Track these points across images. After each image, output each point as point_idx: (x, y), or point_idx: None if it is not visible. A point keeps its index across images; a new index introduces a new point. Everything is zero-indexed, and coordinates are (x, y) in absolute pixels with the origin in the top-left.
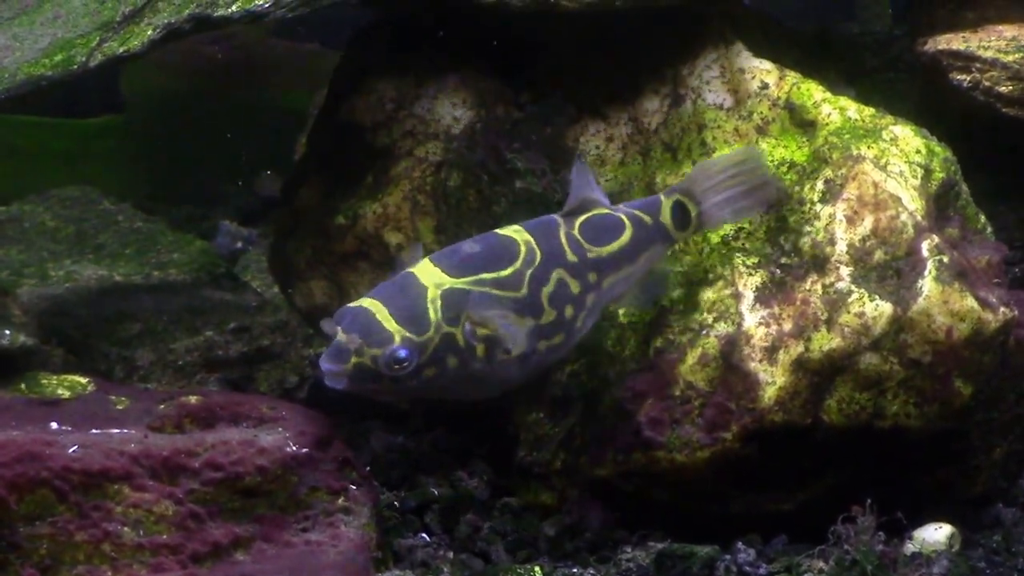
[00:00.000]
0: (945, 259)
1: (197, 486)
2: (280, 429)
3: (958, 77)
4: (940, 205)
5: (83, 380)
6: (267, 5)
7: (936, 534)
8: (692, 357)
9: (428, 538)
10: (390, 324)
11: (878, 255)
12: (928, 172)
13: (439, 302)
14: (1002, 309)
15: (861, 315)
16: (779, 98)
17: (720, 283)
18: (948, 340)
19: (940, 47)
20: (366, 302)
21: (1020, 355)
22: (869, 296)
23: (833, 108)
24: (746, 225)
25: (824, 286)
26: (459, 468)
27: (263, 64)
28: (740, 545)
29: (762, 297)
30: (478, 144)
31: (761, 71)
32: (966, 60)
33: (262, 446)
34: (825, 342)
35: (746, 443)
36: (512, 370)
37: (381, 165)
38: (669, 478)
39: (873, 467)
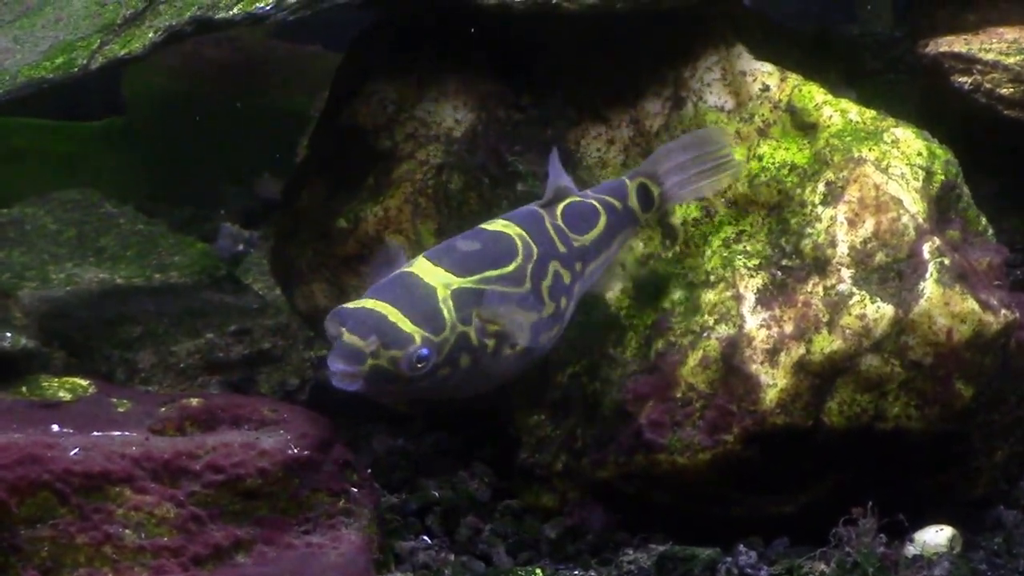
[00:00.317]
0: (946, 261)
1: (198, 488)
2: (281, 431)
3: (959, 79)
4: (941, 207)
5: (84, 382)
6: (269, 7)
7: (937, 536)
8: (693, 359)
9: (429, 540)
10: (407, 325)
11: (879, 257)
12: (929, 174)
13: (451, 302)
14: (1003, 311)
15: (862, 317)
16: (780, 100)
17: (721, 285)
18: (949, 342)
19: (941, 49)
20: (371, 303)
21: (1021, 357)
22: (870, 298)
23: (834, 110)
24: (747, 227)
25: (825, 288)
26: (460, 470)
27: (264, 66)
28: (741, 547)
29: (763, 299)
30: (479, 147)
31: (762, 73)
32: (967, 62)
33: (263, 448)
34: (826, 344)
35: (747, 445)
36: (515, 364)
37: (382, 168)
38: (670, 480)
39: (874, 469)
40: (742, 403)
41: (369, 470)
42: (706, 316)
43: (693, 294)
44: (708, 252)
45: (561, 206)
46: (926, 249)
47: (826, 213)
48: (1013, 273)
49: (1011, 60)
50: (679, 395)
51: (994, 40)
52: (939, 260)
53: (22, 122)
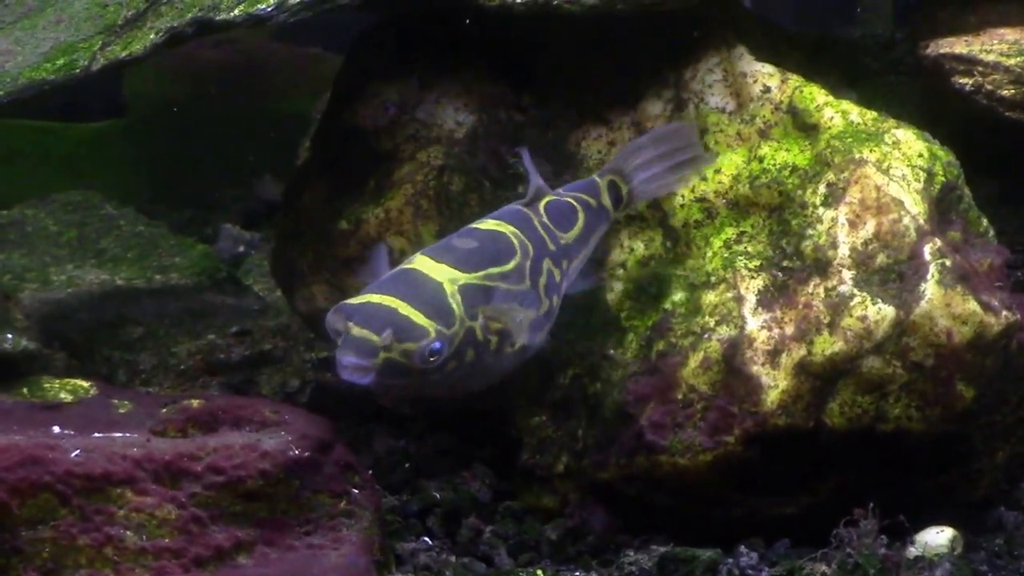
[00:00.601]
0: (947, 262)
1: (199, 490)
2: (282, 433)
3: (960, 81)
4: (942, 209)
5: (85, 384)
6: (270, 9)
7: (938, 537)
8: (694, 360)
9: (430, 541)
10: (420, 318)
11: (880, 258)
12: (930, 176)
13: (459, 296)
14: (1004, 312)
15: (863, 318)
16: (781, 102)
17: (722, 286)
18: (950, 343)
19: (942, 51)
20: (378, 298)
21: (1022, 358)
22: (871, 299)
23: (835, 112)
24: (748, 228)
25: (826, 289)
26: (461, 471)
27: (265, 68)
28: (743, 549)
29: (764, 300)
30: (480, 148)
31: (763, 75)
32: (968, 64)
33: (264, 450)
34: (827, 345)
35: (748, 446)
36: (512, 362)
37: (384, 169)
38: (671, 482)
39: (875, 470)
40: (743, 404)
41: (370, 471)
42: (707, 317)
43: (694, 295)
44: (709, 253)
45: (542, 205)
46: (927, 250)
47: (827, 214)
48: (1014, 274)
49: (1012, 61)
50: (680, 396)
51: (995, 41)
52: (940, 261)
53: (23, 124)
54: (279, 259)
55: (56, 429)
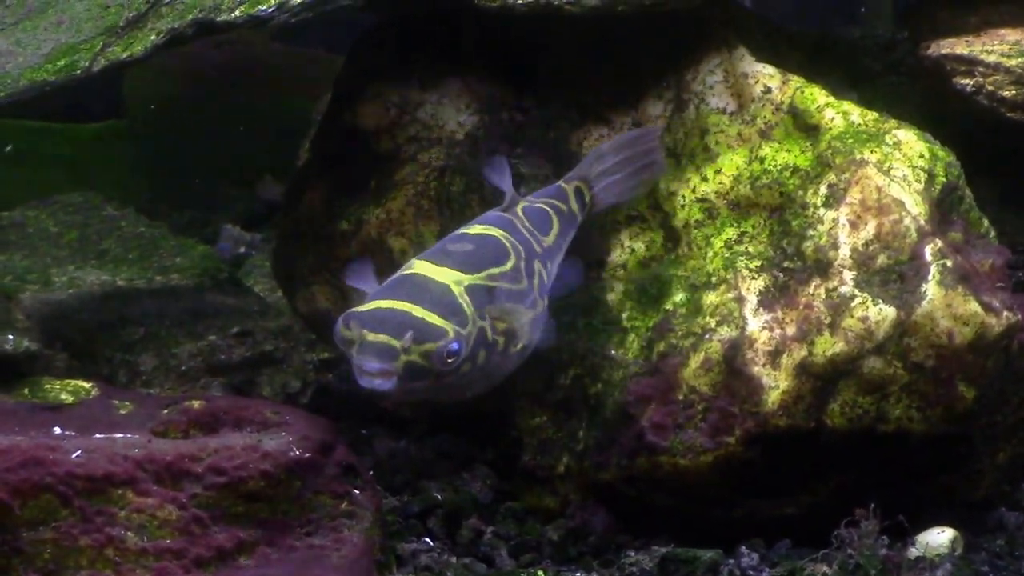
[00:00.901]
0: (948, 263)
1: (201, 491)
2: (283, 434)
3: (961, 81)
4: (943, 209)
5: (86, 385)
6: (271, 10)
7: (939, 538)
8: (695, 361)
9: (431, 542)
10: (436, 319)
11: (881, 259)
12: (931, 176)
13: (467, 297)
14: (1005, 313)
15: (864, 319)
16: (782, 102)
17: (723, 287)
18: (951, 344)
19: (943, 51)
20: (387, 303)
21: (1023, 359)
22: (872, 300)
23: (836, 112)
24: (749, 229)
25: (827, 290)
26: (462, 472)
27: (265, 69)
28: (743, 549)
29: (765, 301)
30: (481, 149)
31: (764, 75)
32: (969, 64)
33: (265, 451)
34: (828, 346)
35: (749, 447)
36: (514, 362)
37: (385, 170)
38: (672, 482)
39: (876, 471)
40: (744, 405)
41: (371, 472)
42: (708, 318)
43: (695, 296)
44: (710, 254)
45: (519, 210)
46: (928, 251)
47: (828, 215)
48: (1015, 275)
49: (1013, 62)
50: (681, 397)
51: (996, 42)
52: (941, 262)
53: (24, 125)
54: (280, 260)
55: (57, 430)
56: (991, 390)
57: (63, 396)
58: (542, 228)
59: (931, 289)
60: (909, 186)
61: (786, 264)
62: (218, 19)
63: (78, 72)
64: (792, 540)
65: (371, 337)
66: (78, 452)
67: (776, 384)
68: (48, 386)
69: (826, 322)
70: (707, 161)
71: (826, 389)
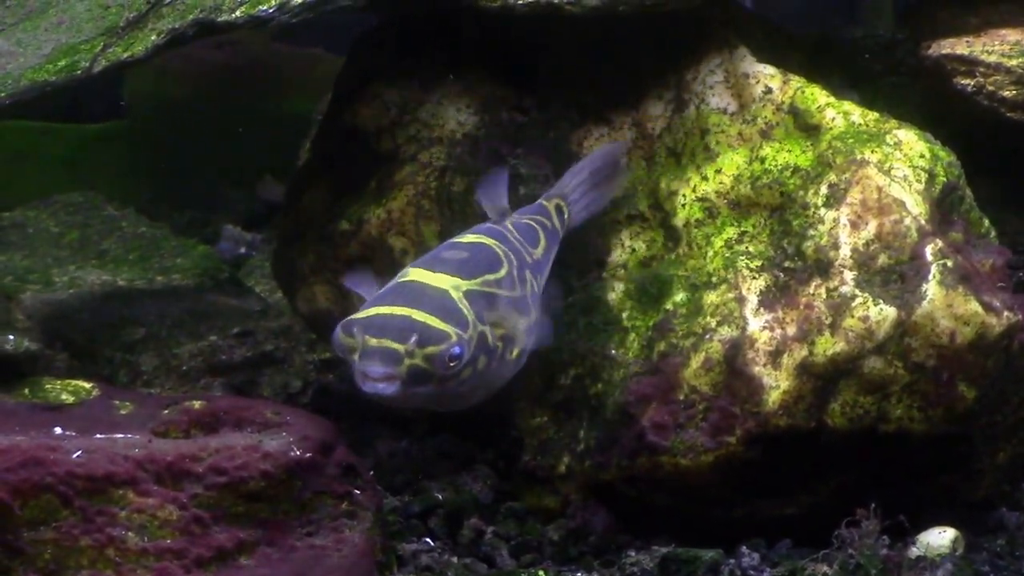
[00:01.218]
0: (949, 263)
1: (201, 491)
2: (284, 434)
3: (961, 82)
4: (944, 209)
5: (87, 385)
6: (272, 10)
7: (940, 538)
8: (696, 361)
9: (432, 542)
10: (438, 323)
11: (882, 259)
12: (932, 176)
13: (466, 301)
14: (1006, 313)
15: (865, 319)
16: (783, 102)
17: (724, 287)
18: (952, 344)
19: (943, 51)
20: (387, 309)
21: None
22: (873, 300)
23: (837, 112)
24: (749, 229)
25: (828, 290)
26: (463, 472)
27: (266, 69)
28: (744, 549)
29: (766, 301)
30: (481, 149)
31: (765, 76)
32: (969, 64)
33: (266, 451)
34: (829, 346)
35: (750, 447)
36: (512, 369)
37: (385, 170)
38: (673, 482)
39: (877, 471)
40: (745, 405)
41: (372, 472)
42: (708, 318)
43: (695, 296)
44: (710, 253)
45: (509, 224)
46: (929, 251)
47: (828, 215)
48: (1016, 275)
49: (1013, 62)
50: (682, 397)
51: (996, 42)
52: (942, 262)
53: (24, 125)
54: (280, 260)
55: (58, 430)
56: (992, 390)
57: (64, 396)
58: (530, 241)
59: (932, 289)
60: (910, 186)
61: (787, 264)
62: (219, 19)
63: (79, 72)
64: (793, 540)
65: (374, 342)
66: (79, 452)
67: (777, 384)
68: (49, 386)
69: (827, 322)
70: (708, 161)
71: (827, 389)
